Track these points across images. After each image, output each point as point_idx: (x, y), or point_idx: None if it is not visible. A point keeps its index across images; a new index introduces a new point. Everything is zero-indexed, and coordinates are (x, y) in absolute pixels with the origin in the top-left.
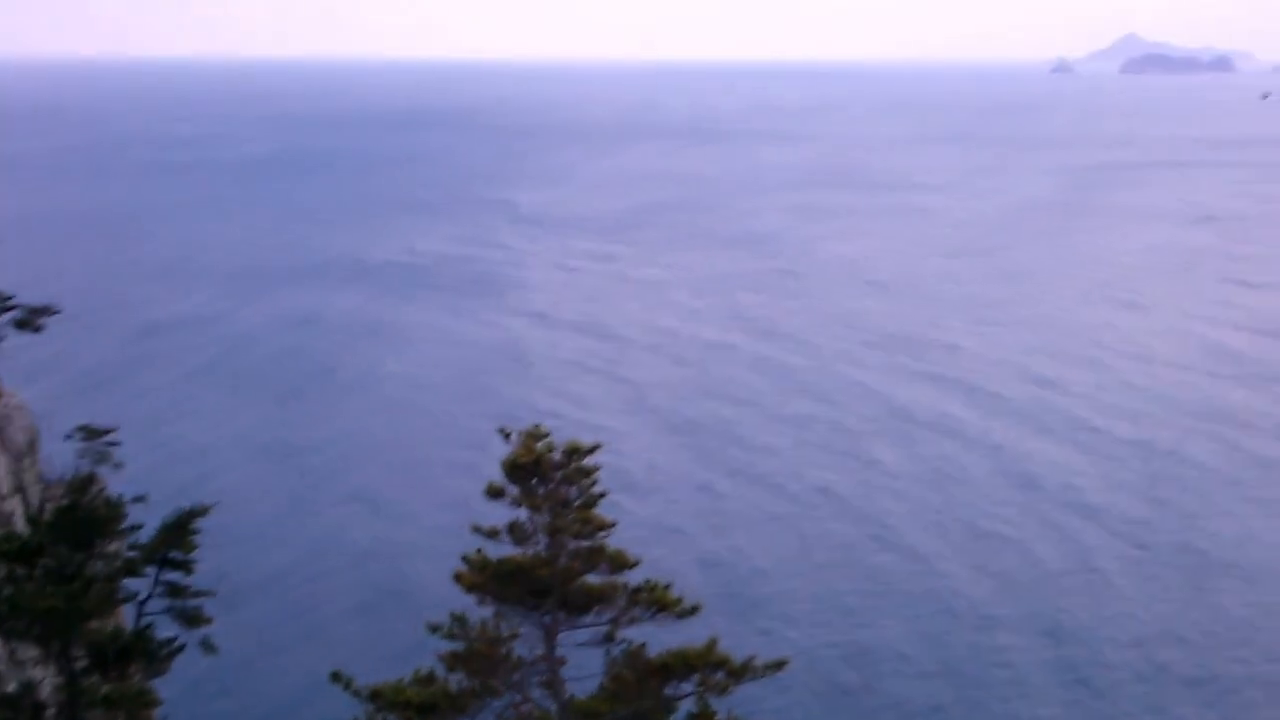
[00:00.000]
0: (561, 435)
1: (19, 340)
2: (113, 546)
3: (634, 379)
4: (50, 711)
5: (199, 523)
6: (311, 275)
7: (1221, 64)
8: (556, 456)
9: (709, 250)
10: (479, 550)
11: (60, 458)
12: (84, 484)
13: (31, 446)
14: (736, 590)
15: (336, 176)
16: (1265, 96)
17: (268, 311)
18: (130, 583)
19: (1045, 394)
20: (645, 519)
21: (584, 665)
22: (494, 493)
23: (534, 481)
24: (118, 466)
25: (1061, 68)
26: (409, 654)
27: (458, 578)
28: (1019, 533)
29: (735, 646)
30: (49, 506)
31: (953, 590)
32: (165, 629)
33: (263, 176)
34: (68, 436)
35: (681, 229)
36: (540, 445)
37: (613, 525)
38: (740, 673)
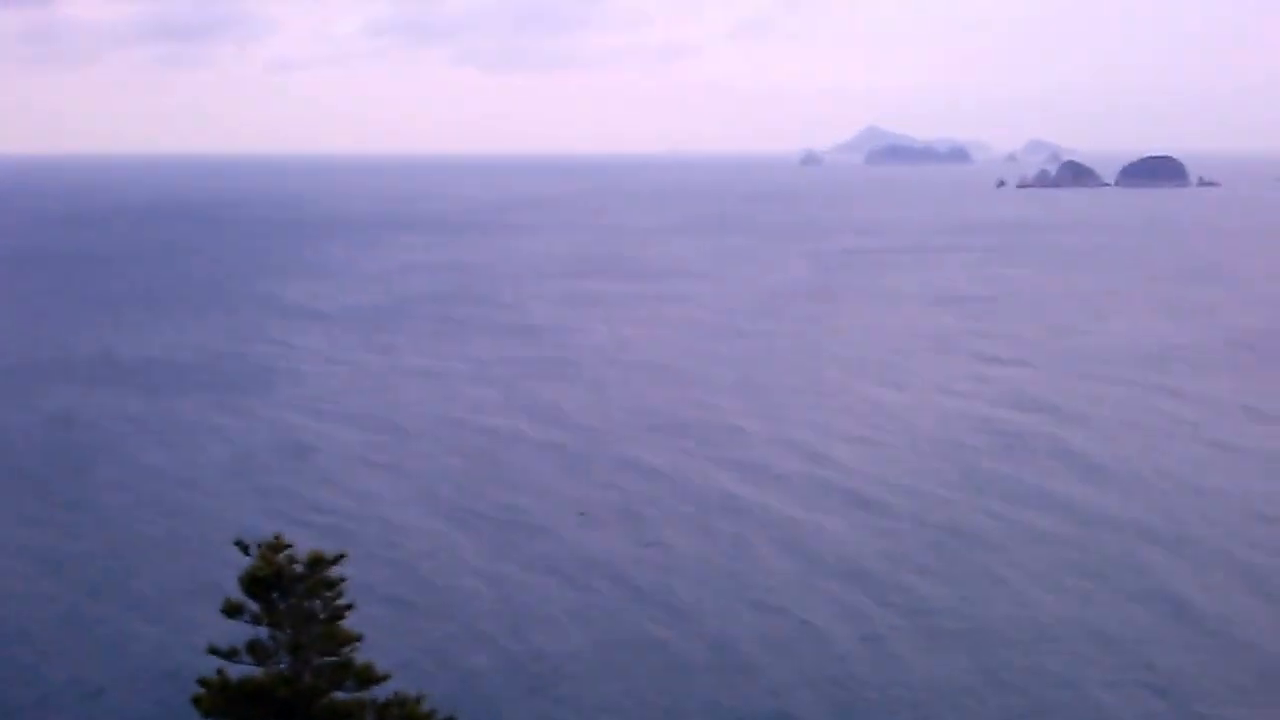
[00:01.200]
0: (335, 534)
1: None
2: None
3: (414, 470)
4: None
5: None
6: (65, 373)
7: (958, 154)
8: (298, 568)
9: (482, 339)
10: (219, 671)
11: None
12: None
13: None
14: (514, 696)
15: (93, 273)
16: (1000, 184)
17: (14, 411)
18: None
19: (819, 469)
20: (412, 622)
21: None
22: (232, 610)
23: (274, 596)
24: None
25: (810, 159)
26: None
27: (195, 701)
28: (803, 606)
29: None
30: None
31: (745, 667)
32: None
33: (9, 276)
34: None
35: (452, 319)
36: (280, 558)
37: (359, 638)
38: None
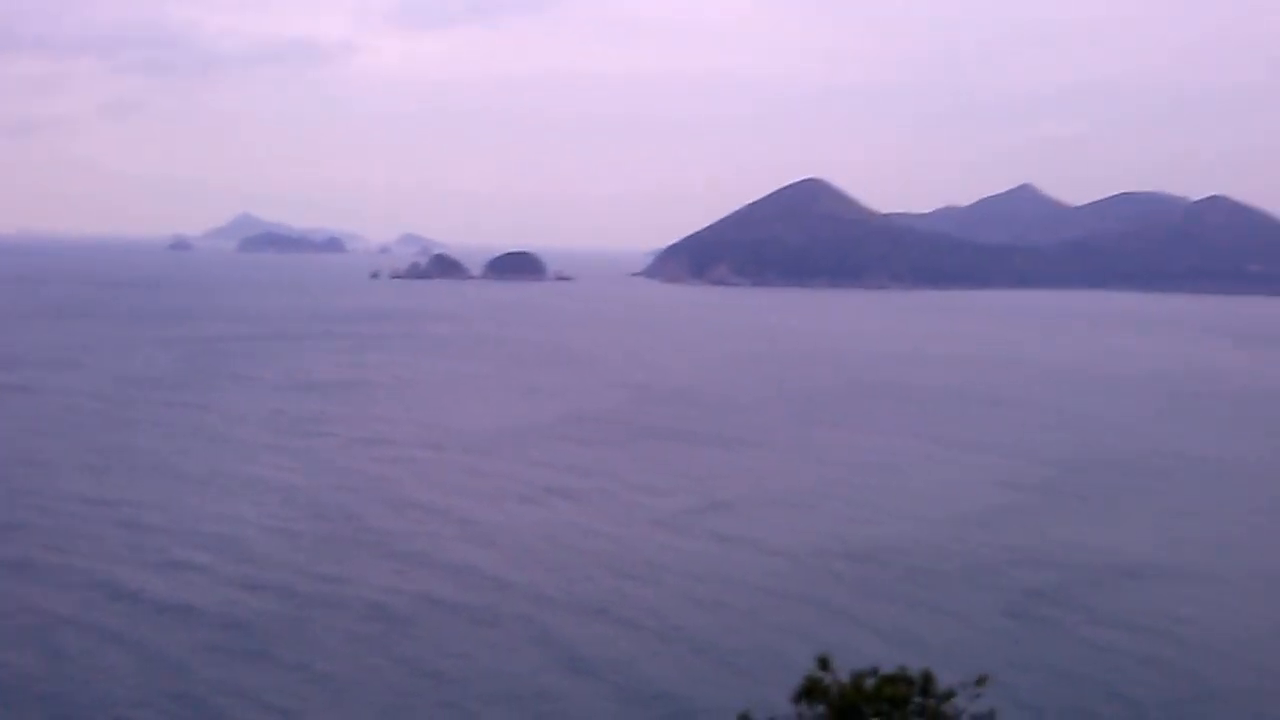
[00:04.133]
0: None
1: None
2: None
3: None
4: None
5: None
6: None
7: (333, 244)
8: None
9: None
10: None
11: None
12: None
13: None
14: None
15: None
16: (374, 275)
17: None
18: None
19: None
20: None
21: None
22: None
23: None
24: None
25: (180, 244)
26: None
27: None
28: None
29: None
30: None
31: None
32: None
33: None
34: None
35: None
36: None
37: None
38: None
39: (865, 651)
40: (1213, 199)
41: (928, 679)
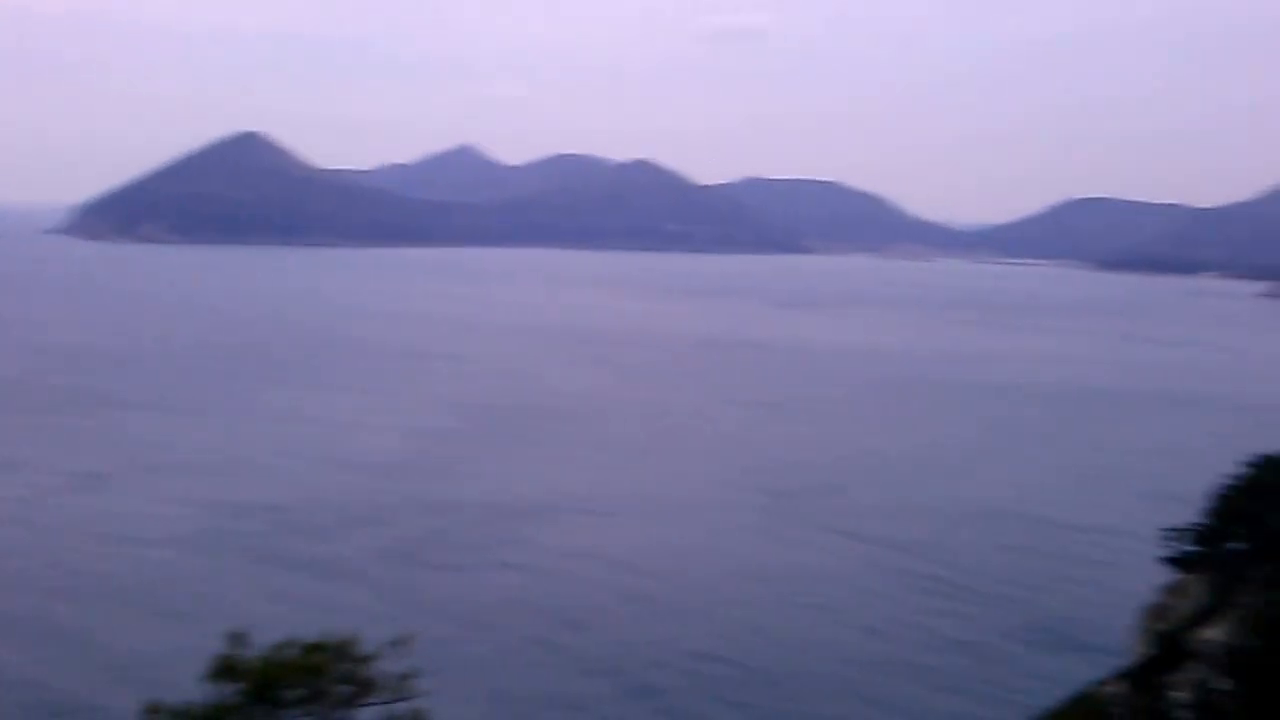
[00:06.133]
0: None
1: None
2: None
3: None
4: None
5: None
6: None
7: None
8: None
9: None
10: None
11: None
12: None
13: None
14: None
15: None
16: None
17: None
18: None
19: None
20: None
21: None
22: None
23: None
24: None
25: None
26: None
27: None
28: None
29: None
30: None
31: None
32: None
33: None
34: None
35: None
36: None
37: None
38: None
39: (263, 619)
40: (638, 162)
41: (349, 644)
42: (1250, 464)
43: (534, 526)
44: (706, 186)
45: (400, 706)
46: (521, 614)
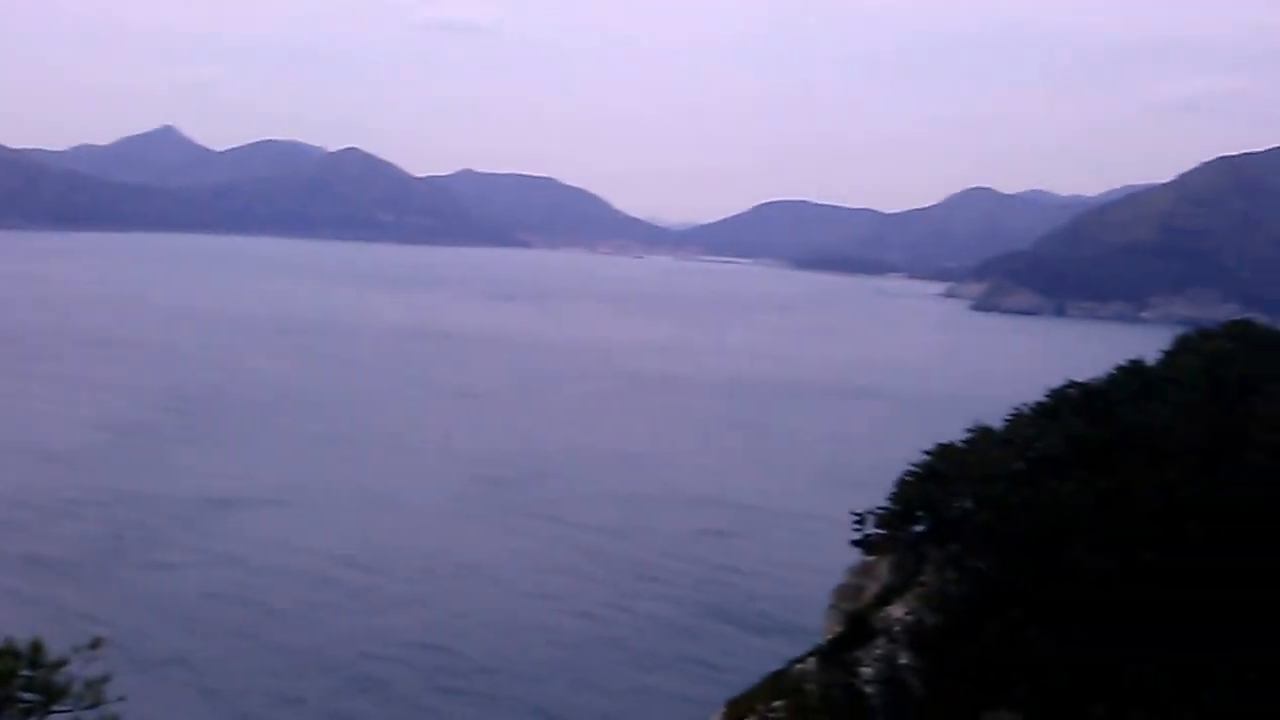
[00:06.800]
0: None
1: None
2: None
3: None
4: None
5: None
6: None
7: None
8: None
9: None
10: None
11: None
12: None
13: None
14: None
15: None
16: None
17: None
18: None
19: None
20: None
21: None
22: None
23: None
24: None
25: None
26: None
27: None
28: None
29: None
30: None
31: None
32: None
33: None
34: None
35: None
36: None
37: None
38: None
39: None
40: (348, 150)
41: (37, 649)
42: (930, 452)
43: (237, 519)
44: (421, 178)
45: (91, 714)
46: (231, 609)
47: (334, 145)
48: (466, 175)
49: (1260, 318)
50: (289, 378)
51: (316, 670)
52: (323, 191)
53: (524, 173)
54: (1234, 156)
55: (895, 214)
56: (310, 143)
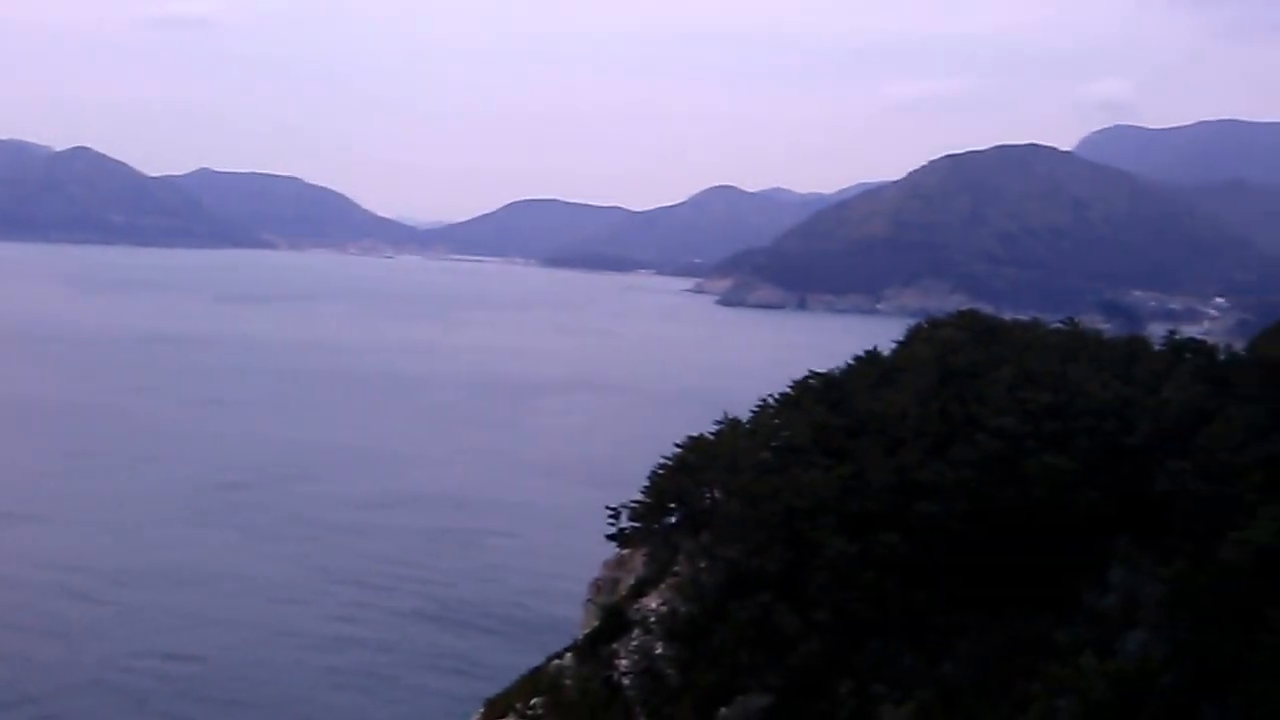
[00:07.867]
0: None
1: None
2: None
3: None
4: None
5: None
6: None
7: None
8: None
9: None
10: None
11: None
12: None
13: None
14: None
15: None
16: None
17: None
18: None
19: None
20: None
21: None
22: None
23: None
24: None
25: None
26: None
27: None
28: None
29: None
30: None
31: None
32: None
33: None
34: None
35: None
36: None
37: None
38: None
39: None
40: (79, 150)
41: None
42: (680, 444)
43: None
44: (156, 177)
45: None
46: None
47: (62, 145)
48: (204, 174)
49: (986, 307)
50: (17, 388)
51: (65, 690)
52: (51, 192)
53: (266, 171)
54: (959, 155)
55: (644, 212)
56: (36, 141)
